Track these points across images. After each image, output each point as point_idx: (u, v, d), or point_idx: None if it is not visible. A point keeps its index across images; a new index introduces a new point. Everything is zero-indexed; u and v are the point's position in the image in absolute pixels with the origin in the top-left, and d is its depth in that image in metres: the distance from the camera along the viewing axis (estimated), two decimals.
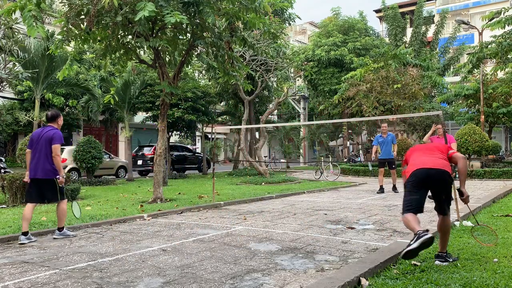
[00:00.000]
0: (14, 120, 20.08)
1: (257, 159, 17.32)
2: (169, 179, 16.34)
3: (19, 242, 5.53)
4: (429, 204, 8.65)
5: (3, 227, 6.38)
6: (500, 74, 20.42)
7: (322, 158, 22.20)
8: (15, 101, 21.24)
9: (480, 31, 20.28)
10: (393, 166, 11.44)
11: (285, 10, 21.04)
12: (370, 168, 17.70)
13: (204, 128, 23.87)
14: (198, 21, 8.69)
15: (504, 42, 14.62)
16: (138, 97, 18.05)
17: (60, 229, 5.91)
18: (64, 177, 5.96)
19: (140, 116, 25.33)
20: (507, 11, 14.22)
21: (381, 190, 11.39)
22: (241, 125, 18.55)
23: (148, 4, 6.82)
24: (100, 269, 4.20)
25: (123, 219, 7.19)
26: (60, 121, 6.06)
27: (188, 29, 9.10)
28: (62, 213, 5.88)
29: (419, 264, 4.10)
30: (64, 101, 19.95)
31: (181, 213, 8.07)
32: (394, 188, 11.35)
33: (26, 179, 5.88)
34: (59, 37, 8.65)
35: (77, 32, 8.55)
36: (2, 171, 15.14)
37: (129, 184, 15.79)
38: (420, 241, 3.60)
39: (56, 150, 5.74)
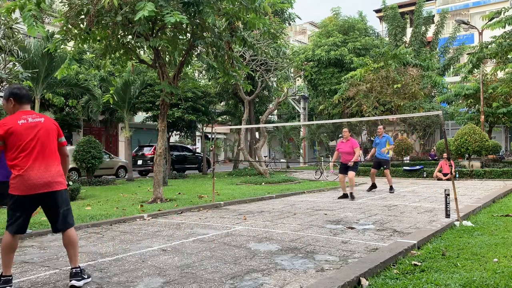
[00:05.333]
0: None
1: (257, 159, 17.31)
2: (169, 179, 16.34)
3: None
4: (429, 204, 8.70)
5: (3, 227, 6.37)
6: (500, 74, 20.42)
7: (322, 158, 22.17)
8: None
9: (480, 31, 20.27)
10: (385, 166, 11.51)
11: (285, 10, 21.03)
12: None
13: (204, 128, 23.88)
14: (198, 21, 8.69)
15: (504, 42, 14.62)
16: (138, 97, 18.06)
17: None
18: None
19: (140, 116, 25.32)
20: (507, 11, 14.23)
21: (373, 186, 11.70)
22: (241, 125, 18.54)
23: (148, 4, 6.82)
24: (100, 269, 4.20)
25: (123, 219, 7.19)
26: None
27: (188, 29, 9.10)
28: None
29: (419, 264, 4.10)
30: (64, 101, 19.94)
31: (181, 213, 8.07)
32: (391, 189, 11.37)
33: None
34: (58, 36, 8.65)
35: (76, 32, 8.55)
36: None
37: (129, 184, 15.79)
38: None
39: None
